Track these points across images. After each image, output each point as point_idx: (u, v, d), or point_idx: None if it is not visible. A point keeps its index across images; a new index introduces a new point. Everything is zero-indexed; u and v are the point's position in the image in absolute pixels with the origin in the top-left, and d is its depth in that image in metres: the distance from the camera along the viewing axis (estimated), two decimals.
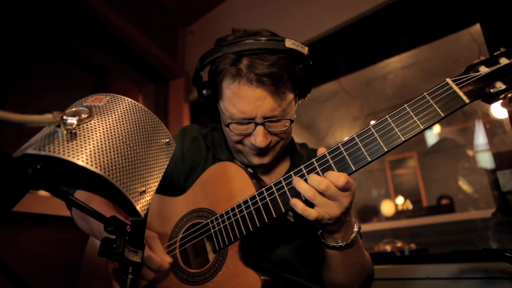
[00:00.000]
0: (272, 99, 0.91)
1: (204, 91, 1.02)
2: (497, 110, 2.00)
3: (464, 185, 3.84)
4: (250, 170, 1.09)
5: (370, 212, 4.37)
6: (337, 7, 2.12)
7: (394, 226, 3.45)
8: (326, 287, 1.01)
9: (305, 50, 0.94)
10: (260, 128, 0.93)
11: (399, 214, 4.23)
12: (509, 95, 0.72)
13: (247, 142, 0.98)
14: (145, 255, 0.86)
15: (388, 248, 2.46)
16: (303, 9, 2.29)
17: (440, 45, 2.41)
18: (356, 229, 0.86)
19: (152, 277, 0.87)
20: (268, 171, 1.12)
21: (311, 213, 0.77)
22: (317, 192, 0.76)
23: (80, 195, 1.07)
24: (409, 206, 4.61)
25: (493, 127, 2.16)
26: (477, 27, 1.73)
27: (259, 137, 0.93)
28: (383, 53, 2.22)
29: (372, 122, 0.79)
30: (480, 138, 3.02)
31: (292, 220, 0.89)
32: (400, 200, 4.70)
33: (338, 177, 0.75)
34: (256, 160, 1.01)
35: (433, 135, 4.18)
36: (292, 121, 0.97)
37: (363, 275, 0.96)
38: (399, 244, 2.56)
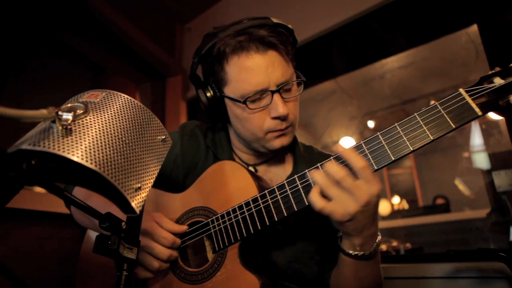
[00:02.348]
0: (282, 61, 0.92)
1: (207, 87, 1.00)
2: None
3: (460, 185, 3.86)
4: (251, 169, 1.08)
5: None
6: (335, 6, 2.13)
7: (390, 226, 3.46)
8: None
9: (290, 26, 0.98)
10: (277, 96, 0.91)
11: (395, 213, 4.25)
12: None
13: (270, 123, 0.94)
14: (156, 233, 0.85)
15: (383, 247, 2.46)
16: (301, 8, 2.29)
17: (437, 45, 2.42)
18: (378, 242, 0.81)
19: (168, 255, 0.86)
20: (269, 171, 1.10)
21: (318, 204, 0.73)
22: (332, 183, 0.73)
23: (80, 190, 1.05)
24: (405, 205, 4.63)
25: (489, 128, 2.17)
26: (474, 27, 1.73)
27: (279, 106, 0.91)
28: (381, 53, 2.22)
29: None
30: (476, 138, 3.03)
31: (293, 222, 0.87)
32: (396, 199, 4.73)
33: (358, 159, 0.71)
34: (277, 143, 0.97)
35: None
36: (304, 82, 0.97)
37: None
38: (394, 244, 2.57)
